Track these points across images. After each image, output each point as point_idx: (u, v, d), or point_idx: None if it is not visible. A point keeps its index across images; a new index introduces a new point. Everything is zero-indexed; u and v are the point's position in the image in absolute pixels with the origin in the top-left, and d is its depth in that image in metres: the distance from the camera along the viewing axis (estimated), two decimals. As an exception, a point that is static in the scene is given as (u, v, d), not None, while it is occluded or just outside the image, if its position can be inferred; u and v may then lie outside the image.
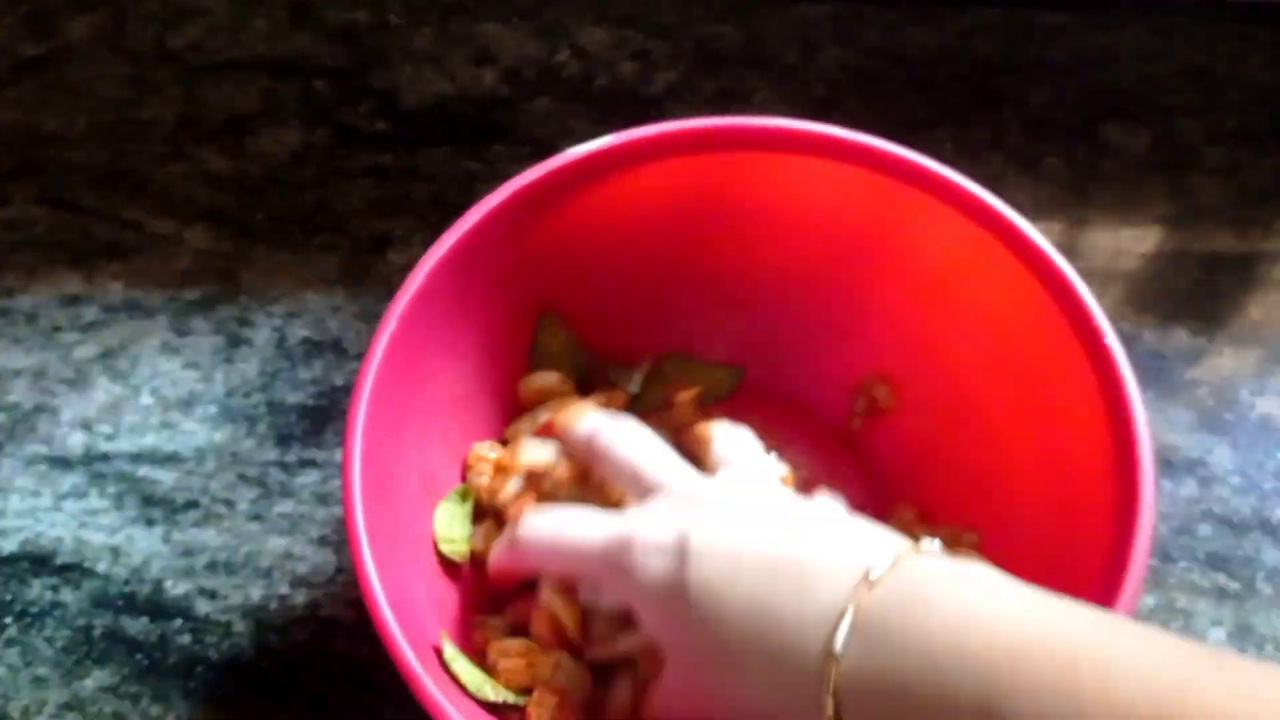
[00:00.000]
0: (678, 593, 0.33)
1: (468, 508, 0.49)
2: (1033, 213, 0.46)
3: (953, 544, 0.47)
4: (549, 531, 0.39)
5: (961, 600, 0.29)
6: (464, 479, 0.50)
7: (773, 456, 0.46)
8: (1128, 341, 0.43)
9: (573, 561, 0.38)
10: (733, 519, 0.35)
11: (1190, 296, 0.62)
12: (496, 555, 0.43)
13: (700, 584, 0.33)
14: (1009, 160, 0.66)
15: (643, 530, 0.35)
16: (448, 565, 0.48)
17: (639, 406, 0.51)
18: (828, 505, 0.36)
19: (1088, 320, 0.42)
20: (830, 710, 0.29)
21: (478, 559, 0.48)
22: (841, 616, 0.30)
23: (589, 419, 0.43)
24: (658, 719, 0.38)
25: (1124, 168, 0.66)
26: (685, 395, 0.51)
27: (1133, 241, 0.64)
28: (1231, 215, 0.65)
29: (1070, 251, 0.62)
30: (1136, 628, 0.28)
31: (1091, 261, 0.63)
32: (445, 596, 0.47)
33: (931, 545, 0.33)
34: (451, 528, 0.48)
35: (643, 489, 0.39)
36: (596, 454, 0.41)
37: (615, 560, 0.35)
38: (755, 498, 0.36)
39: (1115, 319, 0.43)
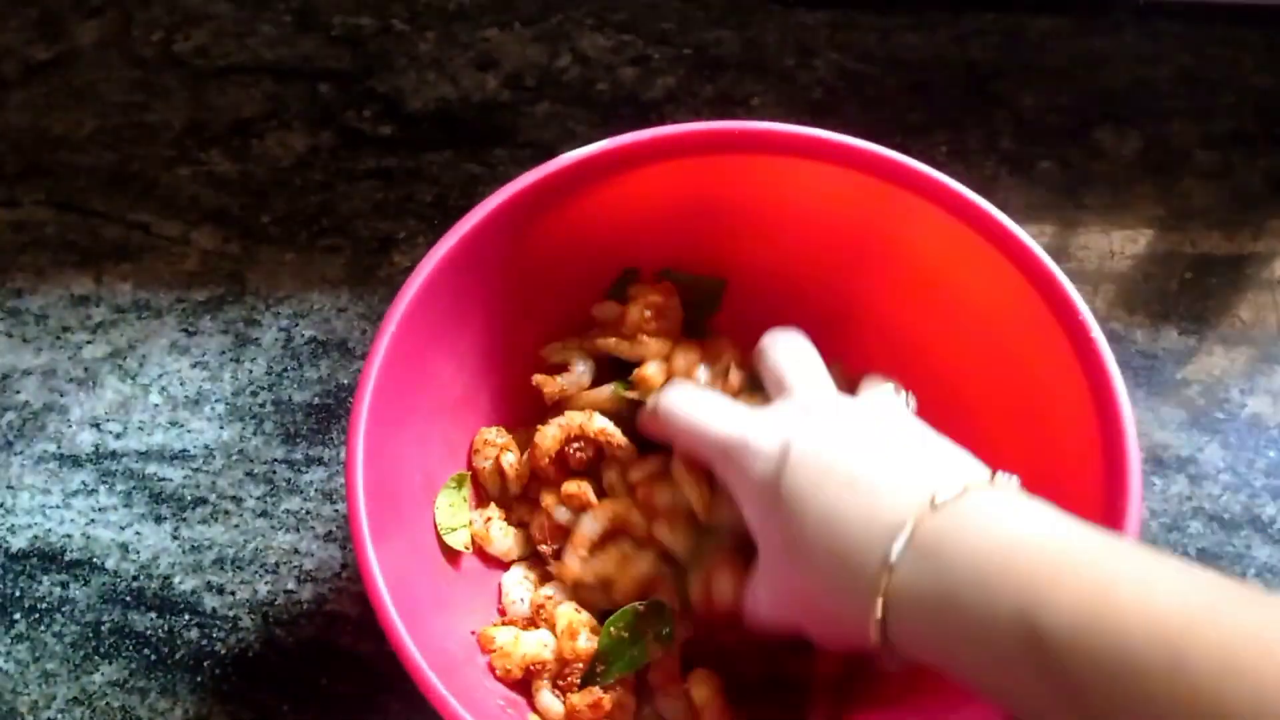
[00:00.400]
0: (774, 493, 0.37)
1: (465, 493, 0.50)
2: (1026, 215, 0.46)
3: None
4: (684, 412, 0.43)
5: (1014, 525, 0.32)
6: (469, 464, 0.51)
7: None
8: (1119, 342, 0.43)
9: (698, 444, 0.42)
10: (831, 433, 0.38)
11: (1181, 297, 0.63)
12: (643, 417, 0.46)
13: (791, 488, 0.36)
14: (1002, 163, 0.67)
15: (755, 434, 0.39)
16: (451, 557, 0.49)
17: None
18: (921, 431, 0.39)
19: (1074, 318, 0.43)
20: (878, 613, 0.33)
21: (479, 543, 0.50)
22: (900, 531, 0.33)
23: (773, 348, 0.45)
24: (746, 605, 0.42)
25: (1116, 170, 0.67)
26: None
27: (1124, 243, 0.64)
28: (1222, 217, 0.65)
29: (1062, 253, 0.63)
30: (1180, 561, 0.30)
31: (1083, 263, 0.63)
32: (449, 590, 0.48)
33: (1008, 481, 0.35)
34: (453, 516, 0.49)
35: (782, 390, 0.43)
36: (762, 358, 0.45)
37: (730, 455, 0.40)
38: (858, 414, 0.39)
39: (1107, 320, 0.43)
